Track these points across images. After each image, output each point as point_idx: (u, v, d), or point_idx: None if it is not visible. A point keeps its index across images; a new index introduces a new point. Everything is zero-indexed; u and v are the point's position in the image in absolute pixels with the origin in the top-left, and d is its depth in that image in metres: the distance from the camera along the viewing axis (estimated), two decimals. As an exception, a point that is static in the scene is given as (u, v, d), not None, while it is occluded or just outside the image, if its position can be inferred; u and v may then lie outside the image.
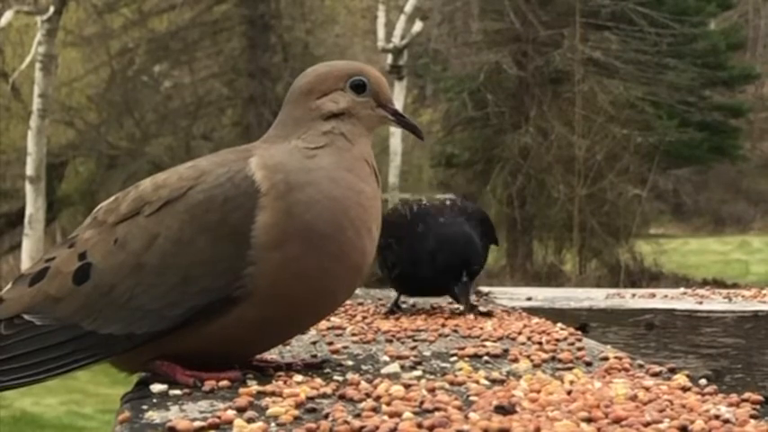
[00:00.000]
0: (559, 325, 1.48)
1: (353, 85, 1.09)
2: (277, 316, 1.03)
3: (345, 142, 1.07)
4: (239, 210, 1.01)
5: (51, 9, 10.99)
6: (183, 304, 1.01)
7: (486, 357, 1.19)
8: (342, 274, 1.05)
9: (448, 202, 1.73)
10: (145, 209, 1.05)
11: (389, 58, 13.35)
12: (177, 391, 0.97)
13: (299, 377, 1.02)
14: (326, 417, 0.85)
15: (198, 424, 0.82)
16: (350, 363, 1.15)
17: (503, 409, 0.85)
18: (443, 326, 1.48)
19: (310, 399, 0.92)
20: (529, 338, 1.35)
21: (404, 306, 1.79)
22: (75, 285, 1.05)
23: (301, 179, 1.03)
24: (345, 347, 1.26)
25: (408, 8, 13.26)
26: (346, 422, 0.81)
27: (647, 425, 0.81)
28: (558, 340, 1.33)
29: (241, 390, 0.94)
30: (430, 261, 1.62)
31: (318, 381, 0.99)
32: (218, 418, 0.84)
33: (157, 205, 1.04)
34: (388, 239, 1.66)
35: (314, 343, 1.30)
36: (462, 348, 1.24)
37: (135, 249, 1.03)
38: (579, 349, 1.26)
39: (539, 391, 0.94)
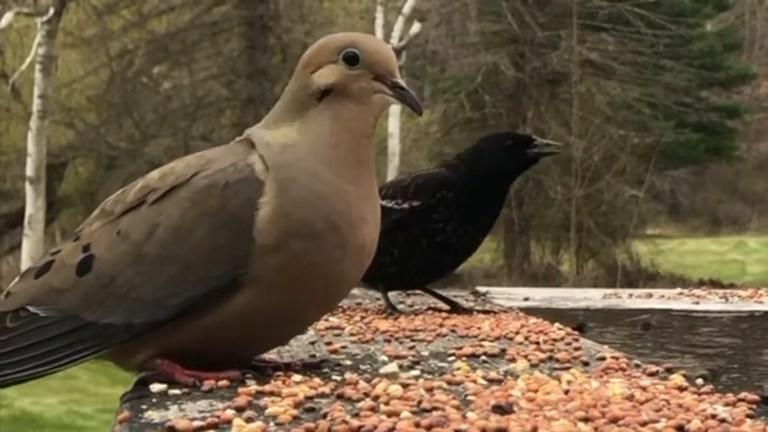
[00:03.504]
0: (557, 325, 1.48)
1: (346, 57, 1.04)
2: (281, 305, 1.03)
3: (333, 129, 1.04)
4: (239, 196, 1.01)
5: (51, 11, 10.99)
6: (182, 293, 1.01)
7: (483, 357, 1.20)
8: (346, 257, 1.03)
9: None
10: (149, 196, 1.05)
11: (387, 59, 13.32)
12: (176, 391, 0.97)
13: (297, 377, 1.02)
14: (325, 416, 0.85)
15: (197, 423, 0.83)
16: (348, 362, 1.16)
17: (500, 409, 0.86)
18: (441, 326, 1.48)
19: (309, 398, 0.92)
20: (526, 338, 1.35)
21: (401, 306, 1.79)
22: (77, 277, 1.05)
23: (290, 175, 1.02)
24: (344, 347, 1.27)
25: (406, 9, 13.27)
26: (345, 421, 0.81)
27: (643, 424, 0.82)
28: (555, 340, 1.33)
29: (240, 389, 0.95)
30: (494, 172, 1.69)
31: (317, 380, 1.00)
32: (218, 417, 0.84)
33: (161, 192, 1.05)
34: (436, 194, 1.68)
35: (312, 343, 1.31)
36: (460, 348, 1.24)
37: (136, 240, 1.04)
38: (576, 349, 1.26)
39: (536, 391, 0.94)
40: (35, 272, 1.09)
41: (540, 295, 2.17)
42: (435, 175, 1.73)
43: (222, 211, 1.01)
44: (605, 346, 1.35)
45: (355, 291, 1.82)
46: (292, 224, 1.01)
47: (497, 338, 1.36)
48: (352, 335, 1.39)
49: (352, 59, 1.03)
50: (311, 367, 1.11)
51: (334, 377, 1.04)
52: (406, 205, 1.69)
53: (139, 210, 1.05)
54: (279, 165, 1.03)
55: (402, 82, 1.04)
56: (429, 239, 1.69)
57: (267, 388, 0.96)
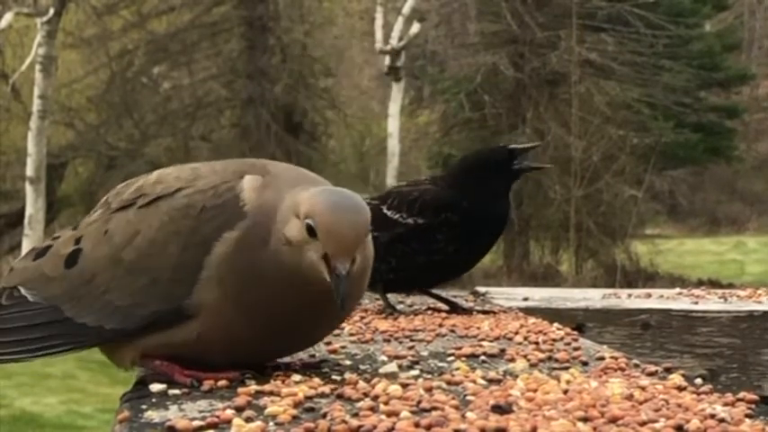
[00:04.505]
0: (556, 325, 1.48)
1: (306, 226, 0.98)
2: (233, 335, 1.02)
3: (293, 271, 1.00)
4: (213, 221, 1.02)
5: (51, 11, 11.00)
6: (148, 306, 1.02)
7: (483, 357, 1.20)
8: (293, 310, 1.02)
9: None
10: (139, 200, 1.07)
11: (387, 60, 13.37)
12: (176, 391, 0.97)
13: (297, 377, 1.02)
14: (324, 416, 0.85)
15: (197, 423, 0.83)
16: (348, 362, 1.16)
17: (500, 409, 0.86)
18: (441, 326, 1.48)
19: (308, 398, 0.93)
20: (525, 338, 1.35)
21: (400, 306, 1.79)
22: (65, 269, 1.07)
23: (266, 222, 1.01)
24: (343, 347, 1.27)
25: (406, 10, 13.27)
26: (344, 421, 0.82)
27: (643, 424, 0.82)
28: (554, 340, 1.34)
29: (240, 389, 0.95)
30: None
31: (316, 380, 1.00)
32: (217, 417, 0.85)
33: (149, 199, 1.06)
34: (441, 215, 1.69)
35: (312, 343, 1.31)
36: (459, 348, 1.24)
37: (117, 243, 1.05)
38: (576, 349, 1.26)
39: (535, 391, 0.94)
40: (35, 253, 1.12)
41: (540, 295, 2.18)
42: (442, 194, 1.74)
43: (195, 233, 1.02)
44: (604, 346, 1.35)
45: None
46: (244, 274, 1.00)
47: (497, 338, 1.36)
48: (351, 335, 1.39)
49: (310, 230, 0.99)
50: (310, 367, 1.11)
51: (333, 377, 1.04)
52: (410, 221, 1.72)
53: (127, 212, 1.07)
54: (266, 218, 1.02)
55: (343, 268, 0.96)
56: (427, 256, 1.72)
57: (267, 388, 0.96)
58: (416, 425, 0.80)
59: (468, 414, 0.84)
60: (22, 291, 1.08)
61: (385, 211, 1.72)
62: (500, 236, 1.80)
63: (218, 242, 1.01)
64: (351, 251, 0.98)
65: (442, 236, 1.71)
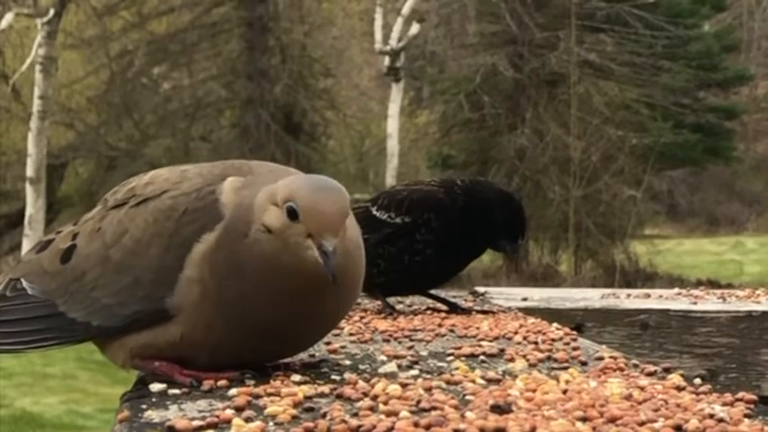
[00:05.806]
0: (555, 325, 1.48)
1: (287, 210, 0.98)
2: (215, 336, 1.02)
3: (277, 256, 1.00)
4: (194, 224, 1.02)
5: (51, 12, 11.01)
6: (130, 306, 1.03)
7: (482, 357, 1.20)
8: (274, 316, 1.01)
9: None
10: (131, 201, 1.08)
11: (386, 61, 13.39)
12: (176, 391, 0.97)
13: (296, 377, 1.02)
14: (324, 416, 0.85)
15: (197, 423, 0.83)
16: (347, 362, 1.16)
17: (499, 409, 0.86)
18: (440, 326, 1.48)
19: (308, 398, 0.93)
20: (525, 338, 1.35)
21: (400, 306, 1.79)
22: (60, 264, 1.08)
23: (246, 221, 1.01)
24: (343, 347, 1.27)
25: (405, 10, 13.29)
26: (344, 421, 0.82)
27: (641, 424, 0.82)
28: (553, 340, 1.34)
29: (240, 389, 0.95)
30: (486, 223, 1.67)
31: (316, 380, 1.00)
32: (217, 417, 0.85)
33: (139, 200, 1.07)
34: (423, 215, 1.68)
35: (311, 343, 1.31)
36: (459, 348, 1.24)
37: (106, 241, 1.06)
38: (575, 349, 1.26)
39: (534, 391, 0.94)
40: (39, 246, 1.13)
41: (539, 295, 2.17)
42: (430, 195, 1.72)
43: (176, 235, 1.03)
44: (603, 346, 1.35)
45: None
46: (220, 268, 1.01)
47: (496, 338, 1.36)
48: (351, 335, 1.39)
49: (292, 214, 0.98)
50: (310, 367, 1.11)
51: (333, 377, 1.04)
52: (398, 220, 1.70)
53: (119, 211, 1.08)
54: (238, 205, 1.02)
55: (330, 245, 0.97)
56: (410, 257, 1.70)
57: (266, 388, 0.96)
58: (416, 424, 0.80)
59: (468, 414, 0.84)
60: (24, 283, 1.10)
61: (374, 212, 1.71)
62: (476, 258, 1.77)
63: (198, 243, 1.01)
64: (336, 229, 0.97)
65: (420, 237, 1.69)
